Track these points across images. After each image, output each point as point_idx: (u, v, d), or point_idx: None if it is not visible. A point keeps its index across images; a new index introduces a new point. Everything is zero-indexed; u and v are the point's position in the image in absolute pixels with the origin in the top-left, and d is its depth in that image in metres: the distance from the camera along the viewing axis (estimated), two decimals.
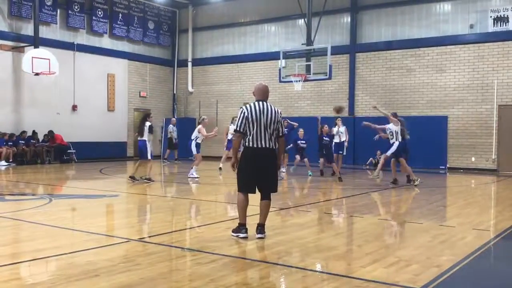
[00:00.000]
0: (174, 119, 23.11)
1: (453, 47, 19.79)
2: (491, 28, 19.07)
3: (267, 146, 6.55)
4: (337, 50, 20.67)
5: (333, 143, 16.21)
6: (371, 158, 20.62)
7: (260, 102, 6.64)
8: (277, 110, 6.71)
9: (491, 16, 19.07)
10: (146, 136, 13.37)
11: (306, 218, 8.46)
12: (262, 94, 6.76)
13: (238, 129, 6.56)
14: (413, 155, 19.77)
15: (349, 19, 22.10)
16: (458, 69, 19.69)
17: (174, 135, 21.59)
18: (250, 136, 6.53)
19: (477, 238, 6.90)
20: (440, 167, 19.56)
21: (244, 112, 6.55)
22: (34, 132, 20.63)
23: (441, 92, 20.01)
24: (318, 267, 5.44)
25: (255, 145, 6.52)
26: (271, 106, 6.66)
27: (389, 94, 21.09)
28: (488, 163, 19.11)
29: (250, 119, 6.50)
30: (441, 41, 20.01)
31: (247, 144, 6.57)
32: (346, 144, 17.03)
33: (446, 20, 20.07)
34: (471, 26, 19.46)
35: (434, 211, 9.58)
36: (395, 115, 13.85)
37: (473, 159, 19.38)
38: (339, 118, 16.84)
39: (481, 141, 19.20)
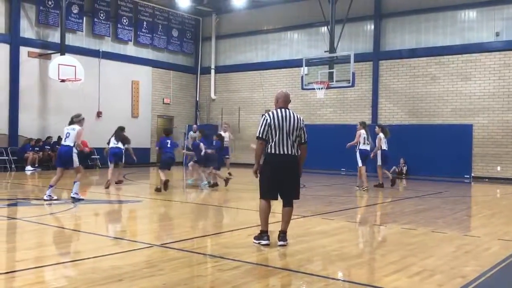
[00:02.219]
0: (195, 126, 23.32)
1: (478, 54, 19.54)
2: None
3: (290, 152, 6.55)
4: (360, 58, 20.58)
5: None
6: (394, 167, 20.45)
7: (283, 109, 6.66)
8: (300, 117, 6.71)
9: None
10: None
11: (328, 226, 8.41)
12: (285, 101, 6.78)
13: (260, 136, 6.57)
14: (437, 164, 19.65)
15: (372, 27, 22.01)
16: (483, 77, 19.43)
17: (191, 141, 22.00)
18: (272, 142, 6.54)
19: (503, 249, 6.77)
20: (465, 176, 19.27)
21: (267, 119, 6.57)
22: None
23: (466, 100, 19.76)
24: (340, 275, 5.41)
25: (277, 152, 6.53)
26: (293, 113, 6.67)
27: (413, 102, 20.90)
28: None
29: (273, 126, 6.51)
30: (466, 49, 19.78)
31: (269, 150, 6.58)
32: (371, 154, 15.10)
33: (471, 27, 19.84)
34: (497, 34, 19.19)
35: (458, 220, 9.44)
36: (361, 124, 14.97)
37: (498, 168, 19.05)
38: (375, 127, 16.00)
39: (507, 150, 18.87)
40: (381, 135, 15.14)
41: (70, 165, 10.87)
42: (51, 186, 10.82)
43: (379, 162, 15.17)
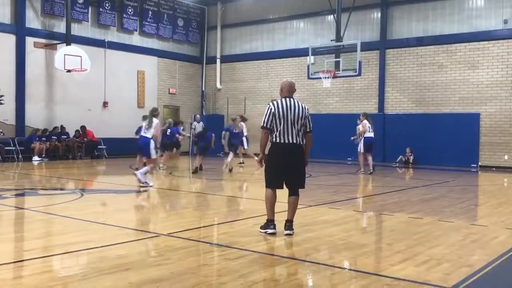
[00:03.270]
0: (198, 115, 23.29)
1: (486, 43, 19.37)
2: None
3: (295, 141, 6.53)
4: (367, 46, 20.45)
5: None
6: (400, 156, 20.40)
7: (287, 99, 6.64)
8: (304, 106, 6.69)
9: None
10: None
11: (335, 215, 8.41)
12: (289, 90, 6.74)
13: (265, 125, 6.56)
14: (444, 153, 19.59)
15: (379, 15, 21.84)
16: (491, 65, 19.28)
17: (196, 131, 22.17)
18: (277, 132, 6.53)
19: (510, 238, 6.75)
20: (472, 165, 19.20)
21: (271, 109, 6.55)
22: (62, 127, 20.93)
23: (473, 89, 19.62)
24: (346, 264, 5.41)
25: (282, 141, 6.52)
26: (298, 102, 6.65)
27: (420, 91, 20.79)
28: None
29: (277, 115, 6.50)
30: (473, 37, 19.60)
31: (274, 140, 6.58)
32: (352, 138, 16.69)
33: (479, 15, 19.65)
34: (505, 21, 19.00)
35: (465, 209, 9.41)
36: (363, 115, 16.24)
37: (506, 157, 18.96)
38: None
39: None
40: (366, 121, 15.95)
41: (146, 154, 11.52)
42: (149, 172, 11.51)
43: (361, 150, 16.00)
